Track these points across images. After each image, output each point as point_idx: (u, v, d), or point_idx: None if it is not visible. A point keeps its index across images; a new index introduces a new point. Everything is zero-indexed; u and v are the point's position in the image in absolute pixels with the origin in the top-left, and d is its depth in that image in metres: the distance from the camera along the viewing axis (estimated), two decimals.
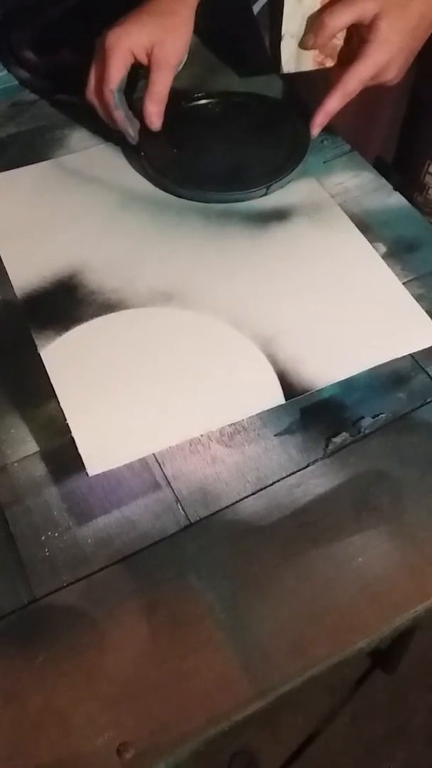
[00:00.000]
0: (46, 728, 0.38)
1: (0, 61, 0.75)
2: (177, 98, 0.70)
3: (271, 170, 0.63)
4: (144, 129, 0.64)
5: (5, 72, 0.74)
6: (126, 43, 0.59)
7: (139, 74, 0.63)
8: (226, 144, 0.66)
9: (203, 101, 0.70)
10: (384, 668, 1.12)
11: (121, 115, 0.62)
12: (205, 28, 0.77)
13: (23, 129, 0.69)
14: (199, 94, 0.70)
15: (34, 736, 0.38)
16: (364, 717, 1.12)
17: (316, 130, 0.63)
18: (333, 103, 0.60)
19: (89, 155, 0.67)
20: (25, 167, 0.65)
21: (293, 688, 0.39)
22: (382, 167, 0.67)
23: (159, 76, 0.61)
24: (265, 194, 0.63)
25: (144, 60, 0.61)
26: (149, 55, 0.60)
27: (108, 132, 0.66)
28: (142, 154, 0.65)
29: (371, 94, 0.63)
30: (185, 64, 0.75)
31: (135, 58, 0.60)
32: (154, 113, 0.63)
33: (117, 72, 0.60)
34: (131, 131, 0.64)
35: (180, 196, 0.63)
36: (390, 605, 0.42)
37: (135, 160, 0.66)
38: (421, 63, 0.69)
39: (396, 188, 0.65)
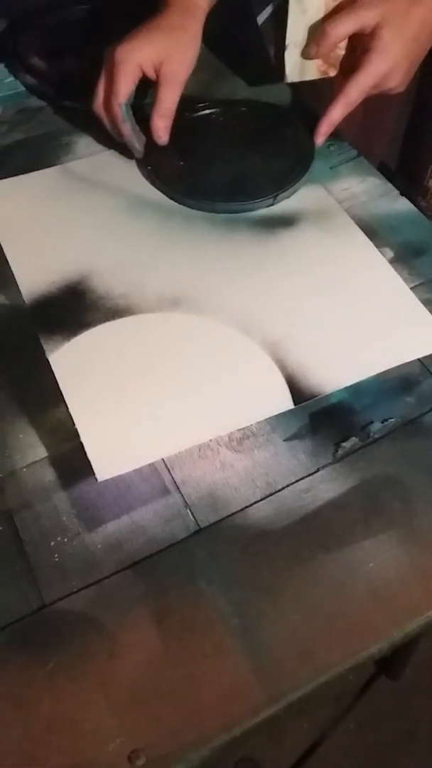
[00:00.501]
0: (57, 734, 0.38)
1: (7, 68, 0.75)
2: (182, 108, 0.70)
3: (277, 179, 0.64)
4: (150, 142, 0.65)
5: (12, 78, 0.74)
6: (135, 58, 0.59)
7: (149, 82, 0.63)
8: (231, 153, 0.67)
9: (208, 111, 0.70)
10: (389, 674, 1.12)
11: (128, 128, 0.62)
12: (210, 34, 0.78)
13: (30, 135, 0.69)
14: (204, 104, 0.70)
15: (45, 742, 0.38)
16: (369, 723, 1.11)
17: (320, 139, 0.63)
18: (336, 113, 0.61)
19: (96, 161, 0.67)
20: (32, 173, 0.66)
21: (305, 694, 0.39)
22: (385, 173, 0.68)
23: (167, 91, 0.61)
24: (272, 204, 0.63)
25: (152, 75, 0.61)
26: (157, 70, 0.60)
27: (114, 139, 0.66)
28: (149, 167, 0.65)
29: (375, 101, 0.63)
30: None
31: (143, 72, 0.61)
32: (162, 128, 0.63)
33: (125, 86, 0.60)
34: (137, 145, 0.64)
35: (188, 207, 0.63)
36: (401, 610, 0.42)
37: (142, 166, 0.66)
38: (424, 68, 0.70)
39: (400, 193, 0.65)
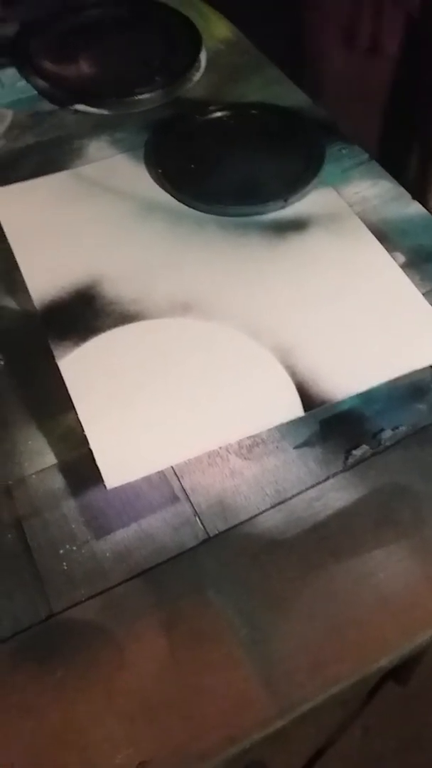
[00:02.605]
0: (65, 744, 0.38)
1: (19, 72, 0.75)
2: (192, 110, 0.70)
3: (288, 182, 0.63)
4: (161, 146, 0.64)
5: (24, 82, 0.74)
6: None
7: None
8: (242, 156, 0.66)
9: (219, 113, 0.70)
10: (397, 680, 1.11)
11: None
12: (224, 36, 0.78)
13: (42, 139, 0.69)
14: (214, 106, 0.70)
15: (53, 752, 0.38)
16: (377, 729, 1.11)
17: None
18: None
19: (107, 165, 0.67)
20: (43, 177, 0.65)
21: (315, 706, 0.39)
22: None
23: None
24: (284, 207, 0.63)
25: None
26: None
27: (126, 142, 0.66)
28: (160, 171, 0.65)
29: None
30: (202, 72, 0.76)
31: None
32: None
33: None
34: None
35: (199, 210, 0.63)
36: (412, 622, 0.41)
37: (153, 170, 0.66)
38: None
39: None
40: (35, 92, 0.73)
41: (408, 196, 0.65)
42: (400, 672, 1.10)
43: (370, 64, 0.83)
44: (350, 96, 0.85)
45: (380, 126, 0.89)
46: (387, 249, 0.60)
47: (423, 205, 0.64)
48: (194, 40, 0.77)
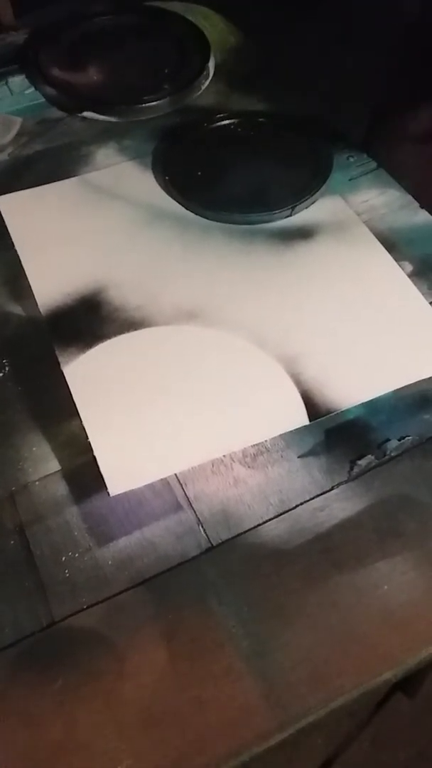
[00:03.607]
0: (64, 754, 0.37)
1: (27, 79, 0.76)
2: (200, 118, 0.70)
3: (295, 190, 0.63)
4: (169, 153, 0.64)
5: (32, 89, 0.74)
6: None
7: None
8: (250, 164, 0.66)
9: (226, 121, 0.70)
10: (406, 692, 1.10)
11: None
12: (232, 44, 0.78)
13: (50, 146, 0.69)
14: (222, 114, 0.70)
15: (53, 761, 0.37)
16: (385, 741, 1.09)
17: None
18: None
19: (115, 172, 0.67)
20: (51, 184, 0.66)
21: (316, 719, 0.38)
22: None
23: None
24: (290, 215, 0.63)
25: None
26: None
27: (133, 149, 0.66)
28: (167, 178, 0.65)
29: None
30: (210, 80, 0.76)
31: None
32: None
33: None
34: None
35: (205, 218, 0.63)
36: (416, 635, 0.41)
37: (160, 177, 0.66)
38: None
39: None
40: (44, 99, 0.74)
41: (416, 204, 0.64)
42: (408, 684, 1.08)
43: None
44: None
45: None
46: (395, 258, 0.59)
47: None
48: (203, 48, 0.77)
